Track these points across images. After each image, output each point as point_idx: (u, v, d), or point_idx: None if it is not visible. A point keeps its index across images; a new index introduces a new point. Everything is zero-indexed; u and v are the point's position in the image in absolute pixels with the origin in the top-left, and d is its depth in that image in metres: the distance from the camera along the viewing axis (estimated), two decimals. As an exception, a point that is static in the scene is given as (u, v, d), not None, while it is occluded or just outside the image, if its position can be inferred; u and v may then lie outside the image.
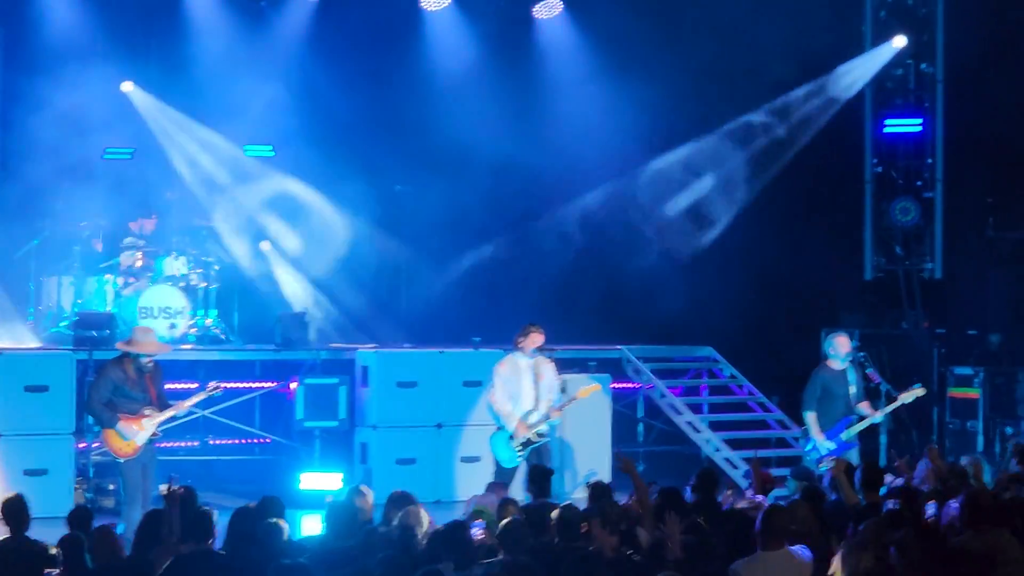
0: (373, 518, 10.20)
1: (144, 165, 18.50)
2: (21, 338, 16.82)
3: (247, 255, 18.79)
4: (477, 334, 17.11)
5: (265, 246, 18.94)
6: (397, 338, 17.90)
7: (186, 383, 15.80)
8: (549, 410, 13.79)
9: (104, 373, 12.97)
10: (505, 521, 9.15)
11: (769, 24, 18.77)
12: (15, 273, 17.60)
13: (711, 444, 17.43)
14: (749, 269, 20.11)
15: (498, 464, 13.79)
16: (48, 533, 9.52)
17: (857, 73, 19.75)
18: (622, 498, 10.85)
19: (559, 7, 20.23)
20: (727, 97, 20.14)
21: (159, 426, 12.83)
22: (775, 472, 13.50)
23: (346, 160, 18.42)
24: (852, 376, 14.43)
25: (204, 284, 17.64)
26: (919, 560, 8.40)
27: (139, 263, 17.55)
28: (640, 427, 19.19)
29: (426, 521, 9.49)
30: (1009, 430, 17.84)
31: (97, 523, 9.75)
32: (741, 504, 10.77)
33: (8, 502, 9.69)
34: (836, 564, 8.40)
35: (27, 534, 9.50)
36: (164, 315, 17.06)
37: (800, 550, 8.41)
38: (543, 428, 13.80)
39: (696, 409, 18.07)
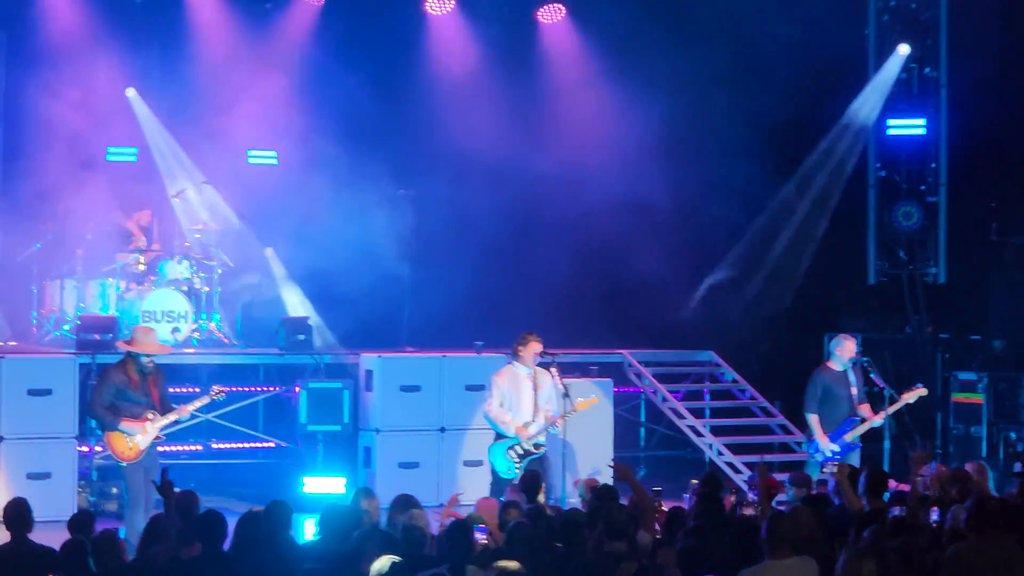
0: (380, 521, 10.20)
1: (148, 166, 18.50)
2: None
3: (250, 260, 18.76)
4: (480, 338, 17.11)
5: (269, 252, 18.92)
6: (400, 342, 17.90)
7: (189, 387, 15.81)
8: (550, 419, 13.75)
9: (106, 376, 12.98)
10: (511, 524, 9.16)
11: (773, 27, 18.75)
12: (17, 277, 17.59)
13: (713, 449, 17.41)
14: (751, 273, 20.11)
15: (495, 474, 13.76)
16: (51, 537, 9.51)
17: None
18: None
19: (562, 11, 20.22)
20: (732, 101, 20.13)
21: (162, 430, 12.83)
22: (777, 477, 13.47)
23: (349, 164, 18.41)
24: (853, 377, 14.43)
25: (207, 288, 17.64)
26: (920, 567, 8.39)
27: (142, 266, 17.56)
28: (642, 431, 19.18)
29: (429, 525, 9.50)
30: (1012, 435, 17.82)
31: (99, 527, 9.74)
32: (747, 511, 10.75)
33: (10, 506, 9.69)
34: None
35: (29, 537, 9.49)
36: (167, 319, 17.05)
37: (808, 560, 8.39)
38: (541, 439, 13.78)
39: (698, 414, 18.05)
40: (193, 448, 16.95)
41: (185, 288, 17.38)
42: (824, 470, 13.42)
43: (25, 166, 17.64)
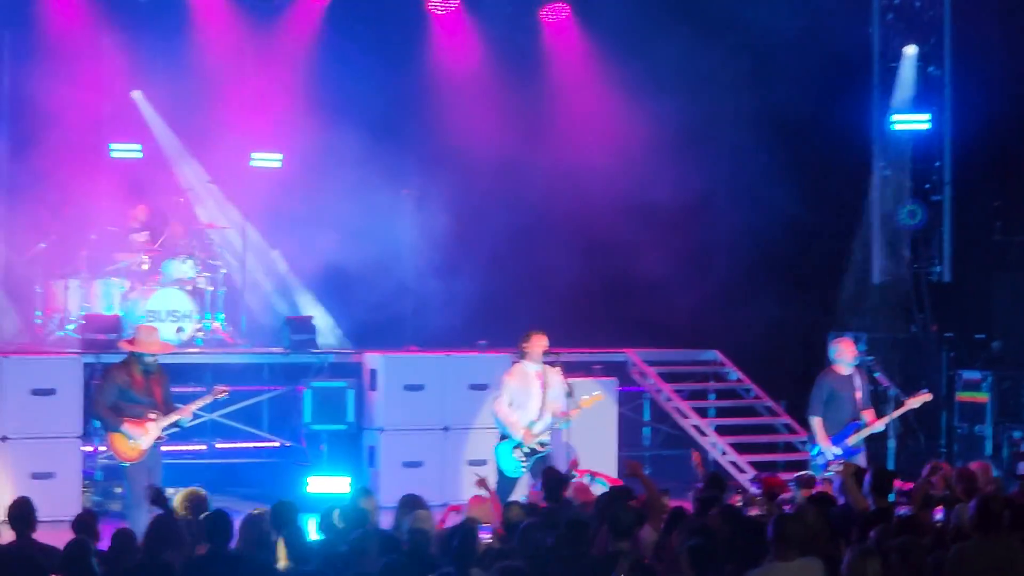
0: (378, 521, 10.20)
1: (152, 165, 18.50)
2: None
3: (255, 260, 18.77)
4: (483, 338, 17.11)
5: (274, 253, 18.93)
6: (404, 342, 17.90)
7: (193, 387, 15.81)
8: (558, 415, 13.75)
9: (109, 377, 12.97)
10: (523, 525, 9.14)
11: (777, 26, 18.73)
12: (22, 276, 17.60)
13: (718, 448, 17.40)
14: (755, 272, 20.09)
15: (501, 474, 13.76)
16: (55, 537, 9.51)
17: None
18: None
19: (566, 11, 20.21)
20: (736, 100, 20.12)
21: (164, 430, 12.82)
22: (783, 477, 13.46)
23: (353, 164, 18.41)
24: (858, 381, 14.40)
25: (211, 288, 17.64)
26: (922, 566, 8.38)
27: (146, 266, 17.56)
28: (646, 431, 19.17)
29: (435, 527, 9.49)
30: (1017, 434, 17.80)
31: (103, 527, 9.74)
32: (753, 511, 10.74)
33: (14, 505, 9.69)
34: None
35: (33, 537, 9.49)
36: (171, 318, 17.06)
37: (814, 561, 8.39)
38: (546, 438, 13.77)
39: (702, 413, 18.05)
40: (197, 448, 16.94)
41: (189, 288, 17.38)
42: (827, 471, 13.41)
43: (30, 166, 17.64)
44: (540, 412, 13.75)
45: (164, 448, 13.17)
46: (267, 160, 19.22)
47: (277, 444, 17.23)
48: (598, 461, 16.02)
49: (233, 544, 9.18)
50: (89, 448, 15.50)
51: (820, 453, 14.19)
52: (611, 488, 10.91)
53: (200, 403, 13.20)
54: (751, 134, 19.79)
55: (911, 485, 11.47)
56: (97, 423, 13.83)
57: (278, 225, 18.98)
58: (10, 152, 18.07)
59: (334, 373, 16.84)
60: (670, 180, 19.24)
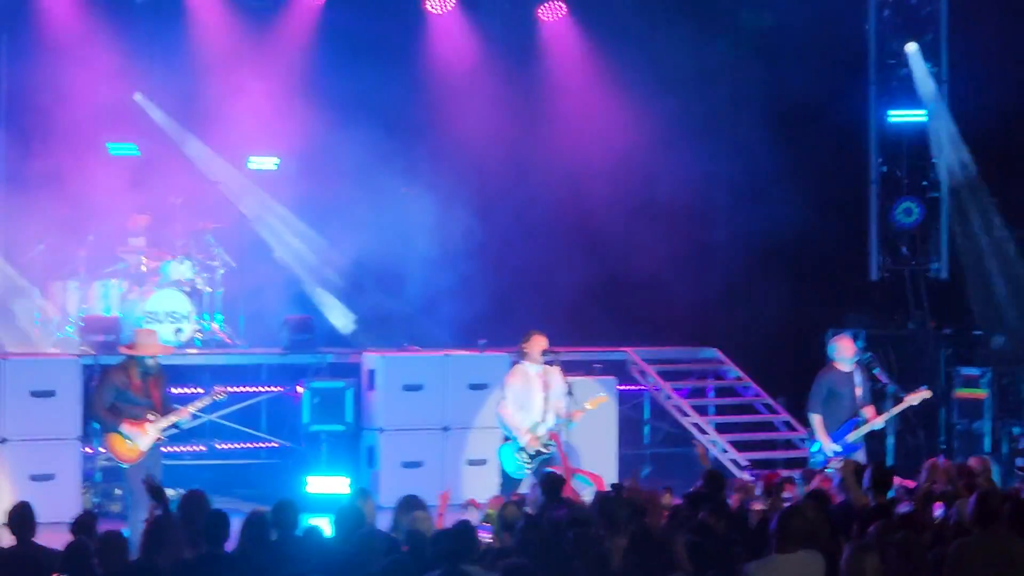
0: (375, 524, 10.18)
1: (149, 166, 18.49)
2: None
3: (256, 260, 18.75)
4: (482, 337, 17.10)
5: (276, 254, 18.92)
6: (403, 341, 17.89)
7: (192, 387, 15.81)
8: (563, 416, 13.75)
9: (107, 378, 12.97)
10: (521, 524, 9.14)
11: (774, 23, 18.74)
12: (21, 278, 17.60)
13: (718, 446, 17.41)
14: (754, 269, 20.09)
15: (505, 475, 13.76)
16: (55, 539, 9.50)
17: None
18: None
19: (563, 9, 20.20)
20: (733, 97, 20.11)
21: (163, 431, 12.81)
22: (783, 473, 13.46)
23: (350, 164, 18.40)
24: (858, 378, 14.41)
25: (209, 288, 17.63)
26: (921, 562, 8.38)
27: (144, 267, 17.54)
28: (646, 429, 19.17)
29: (433, 528, 9.48)
30: (1016, 430, 17.81)
31: (103, 528, 9.73)
32: (756, 507, 10.73)
33: (14, 510, 9.68)
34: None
35: (34, 540, 9.49)
36: (170, 319, 17.04)
37: (815, 555, 8.39)
38: (550, 439, 13.77)
39: (702, 411, 18.05)
40: (196, 449, 16.94)
41: (188, 289, 17.36)
42: (827, 468, 13.42)
43: (27, 166, 17.62)
44: (543, 413, 13.75)
45: (163, 449, 13.16)
46: (264, 162, 19.19)
47: (276, 445, 17.22)
48: (599, 460, 16.04)
49: (234, 544, 9.17)
50: (89, 449, 15.48)
51: (820, 450, 14.20)
52: (613, 485, 10.91)
53: (199, 404, 13.19)
54: (749, 131, 19.79)
55: (912, 483, 11.49)
56: (96, 424, 13.83)
57: (277, 225, 18.95)
58: (7, 152, 18.05)
59: (333, 373, 16.83)
60: (668, 178, 19.25)
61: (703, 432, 17.58)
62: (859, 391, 14.36)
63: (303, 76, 18.91)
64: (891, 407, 14.78)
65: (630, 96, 19.25)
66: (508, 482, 13.65)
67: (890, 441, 18.03)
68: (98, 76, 17.66)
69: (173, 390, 13.50)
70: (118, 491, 14.94)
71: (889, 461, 17.02)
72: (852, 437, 14.23)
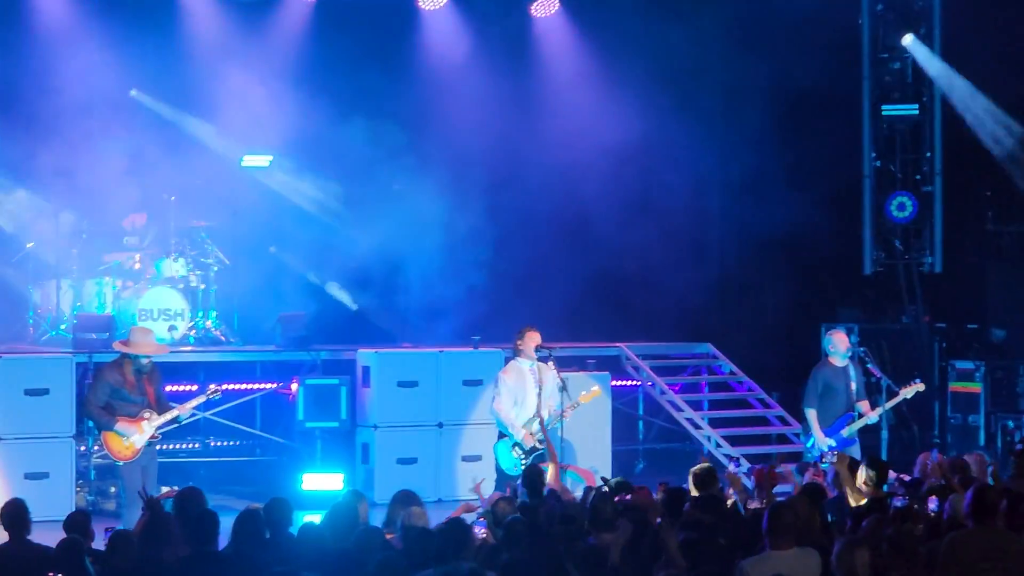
0: (368, 521, 10.18)
1: (145, 165, 18.48)
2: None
3: (250, 257, 18.73)
4: (476, 333, 17.10)
5: (272, 250, 18.90)
6: (397, 338, 17.88)
7: (186, 385, 15.80)
8: (555, 414, 13.75)
9: (101, 376, 12.94)
10: (508, 520, 9.15)
11: (767, 19, 18.73)
12: (13, 276, 17.57)
13: (712, 441, 17.42)
14: (747, 264, 20.10)
15: (501, 471, 13.77)
16: (49, 537, 9.49)
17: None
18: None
19: (556, 5, 20.19)
20: (727, 92, 20.12)
21: (158, 429, 12.80)
22: (777, 469, 13.46)
23: (342, 160, 18.39)
24: (853, 372, 14.42)
25: (203, 286, 17.61)
26: (914, 556, 8.38)
27: (138, 265, 17.53)
28: (640, 424, 19.18)
29: (429, 524, 9.48)
30: (1011, 424, 17.83)
31: (97, 526, 9.73)
32: (752, 504, 10.72)
33: (8, 507, 9.67)
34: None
35: (28, 538, 9.48)
36: (164, 317, 17.02)
37: (810, 552, 8.39)
38: (543, 435, 13.77)
39: (696, 406, 18.06)
40: (191, 446, 16.93)
41: (181, 286, 17.35)
42: (822, 462, 13.41)
43: (23, 164, 17.59)
44: (537, 409, 13.75)
45: (159, 447, 13.15)
46: (257, 160, 19.16)
47: (271, 441, 17.20)
48: (593, 455, 16.04)
49: (227, 542, 9.16)
50: (83, 447, 15.46)
51: (815, 445, 14.21)
52: (603, 479, 10.91)
53: (194, 403, 13.17)
54: (742, 126, 19.80)
55: (907, 477, 11.49)
56: (91, 423, 13.81)
57: (270, 222, 18.93)
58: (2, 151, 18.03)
59: (327, 370, 16.82)
60: (661, 173, 19.26)
61: (697, 427, 17.59)
62: (854, 385, 14.37)
63: (296, 72, 18.88)
64: (885, 401, 14.78)
65: (623, 92, 19.24)
66: (503, 478, 13.65)
67: (884, 435, 18.03)
68: (92, 72, 17.64)
69: (168, 388, 13.46)
70: (113, 489, 14.94)
71: (883, 456, 17.02)
72: (847, 432, 14.24)
